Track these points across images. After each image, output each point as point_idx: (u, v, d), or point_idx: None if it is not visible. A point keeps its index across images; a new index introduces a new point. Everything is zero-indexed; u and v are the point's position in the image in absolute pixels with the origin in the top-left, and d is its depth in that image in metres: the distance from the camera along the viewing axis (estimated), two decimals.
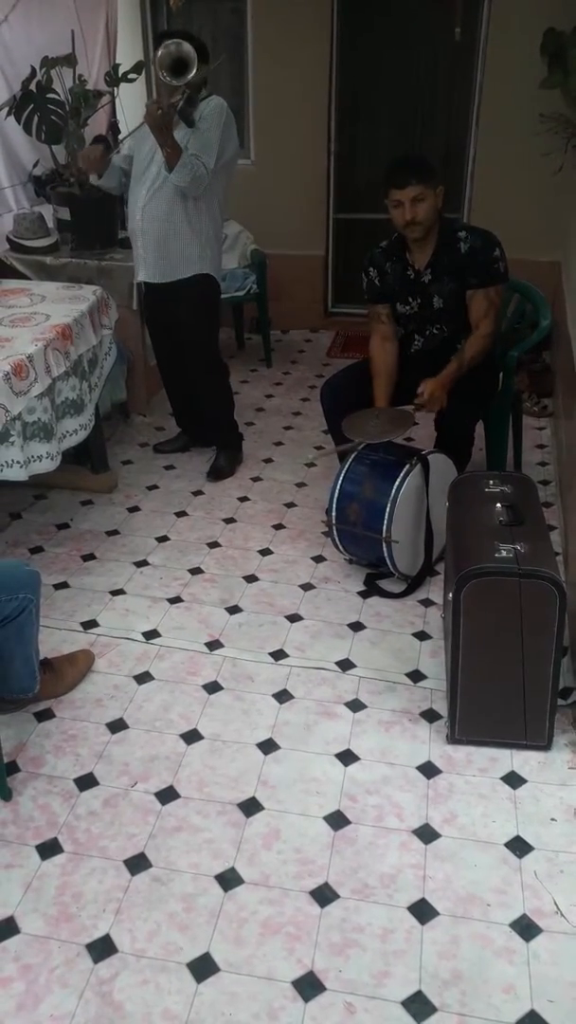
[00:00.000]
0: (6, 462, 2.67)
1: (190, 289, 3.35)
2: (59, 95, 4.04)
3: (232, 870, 1.90)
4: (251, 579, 2.97)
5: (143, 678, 2.49)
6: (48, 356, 2.83)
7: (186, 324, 3.44)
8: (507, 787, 2.11)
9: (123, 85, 4.31)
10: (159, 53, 2.91)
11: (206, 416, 3.71)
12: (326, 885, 1.86)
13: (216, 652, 2.60)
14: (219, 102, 3.19)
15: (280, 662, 2.57)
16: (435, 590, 2.89)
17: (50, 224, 4.17)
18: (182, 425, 3.92)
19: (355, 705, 2.39)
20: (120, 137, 3.37)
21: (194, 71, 2.90)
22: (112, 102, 4.59)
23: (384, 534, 2.74)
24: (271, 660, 2.57)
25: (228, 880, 1.87)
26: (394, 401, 3.05)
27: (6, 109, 3.93)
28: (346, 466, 2.89)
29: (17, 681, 2.18)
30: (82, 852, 1.94)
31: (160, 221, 3.24)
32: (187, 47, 2.88)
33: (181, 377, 3.67)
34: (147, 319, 3.70)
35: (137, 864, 1.91)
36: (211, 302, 3.47)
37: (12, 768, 2.15)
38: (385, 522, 2.73)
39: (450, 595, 2.18)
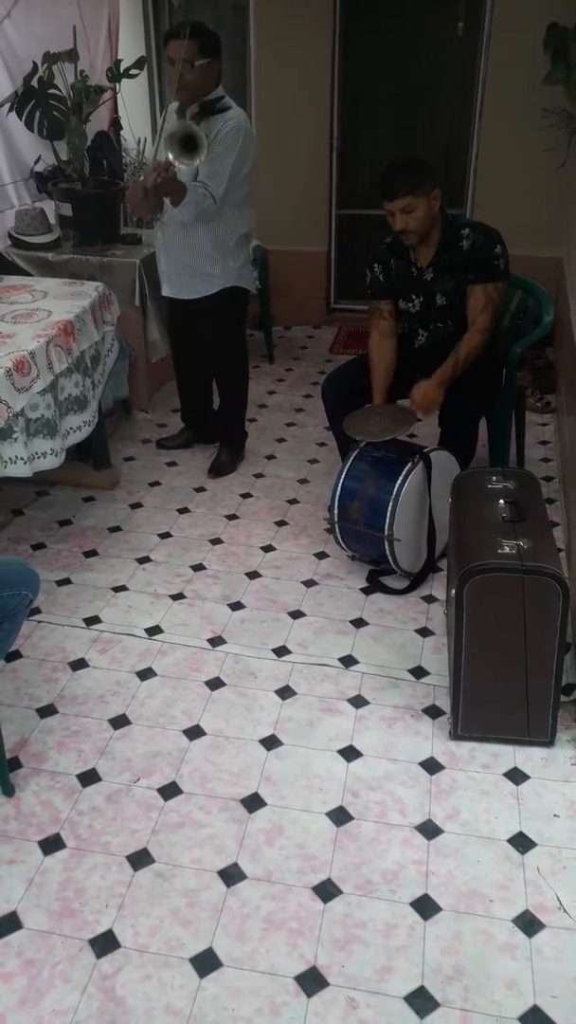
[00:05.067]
0: (10, 458, 2.67)
1: (216, 305, 3.35)
2: (61, 91, 4.03)
3: (235, 866, 1.90)
4: (253, 575, 2.97)
5: (145, 674, 2.49)
6: (50, 352, 2.83)
7: (215, 335, 3.45)
8: (510, 783, 2.11)
9: (125, 81, 4.30)
10: (170, 131, 2.88)
11: (220, 411, 3.71)
12: (329, 881, 1.86)
13: (218, 648, 2.61)
14: (237, 121, 3.07)
15: (283, 658, 2.56)
16: (438, 586, 2.88)
17: (52, 220, 4.16)
18: (187, 421, 3.92)
19: (358, 701, 2.39)
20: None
21: (205, 148, 2.85)
22: (114, 98, 4.58)
23: (386, 532, 2.74)
24: (273, 656, 2.57)
25: (231, 876, 1.87)
26: (394, 397, 3.05)
27: (8, 105, 3.93)
28: (348, 463, 2.89)
29: None
30: (84, 848, 1.94)
31: (180, 239, 3.24)
32: (191, 124, 2.85)
33: (199, 377, 3.68)
34: (170, 327, 3.71)
35: (140, 860, 1.91)
36: (238, 314, 3.47)
37: (15, 764, 2.16)
38: (387, 520, 2.73)
39: (453, 591, 2.18)
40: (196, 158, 2.88)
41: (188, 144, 2.87)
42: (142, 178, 3.01)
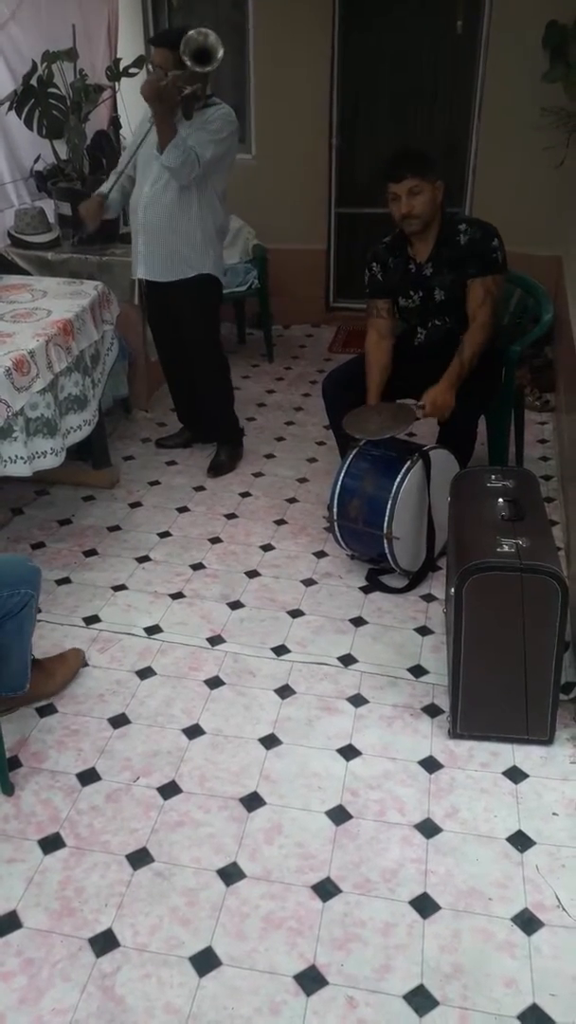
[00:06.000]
0: (10, 458, 2.67)
1: (192, 290, 3.36)
2: (60, 90, 4.03)
3: (234, 865, 1.90)
4: (252, 574, 2.97)
5: (145, 673, 2.49)
6: (50, 351, 2.83)
7: (188, 323, 3.45)
8: (509, 782, 2.11)
9: (124, 80, 4.30)
10: (187, 35, 2.91)
11: (207, 411, 3.71)
12: (328, 880, 1.86)
13: (218, 647, 2.61)
14: (229, 111, 3.21)
15: (282, 657, 2.57)
16: (437, 585, 2.89)
17: (51, 219, 4.17)
18: (184, 421, 3.92)
19: (357, 700, 2.39)
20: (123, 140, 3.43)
21: (216, 63, 2.92)
22: (113, 97, 4.58)
23: (385, 530, 2.74)
24: (273, 655, 2.57)
25: (230, 875, 1.88)
26: (393, 395, 3.05)
27: (7, 104, 3.92)
28: (347, 462, 2.89)
29: (10, 679, 2.18)
30: (84, 847, 1.94)
31: (161, 219, 3.25)
32: (214, 38, 2.90)
33: (184, 373, 3.67)
34: (149, 315, 3.71)
35: (139, 859, 1.91)
36: (213, 302, 3.48)
37: (14, 763, 2.16)
38: (386, 519, 2.73)
39: (452, 590, 2.18)
40: (205, 66, 2.92)
41: (202, 57, 2.92)
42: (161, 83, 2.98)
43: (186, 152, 3.06)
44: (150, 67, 3.15)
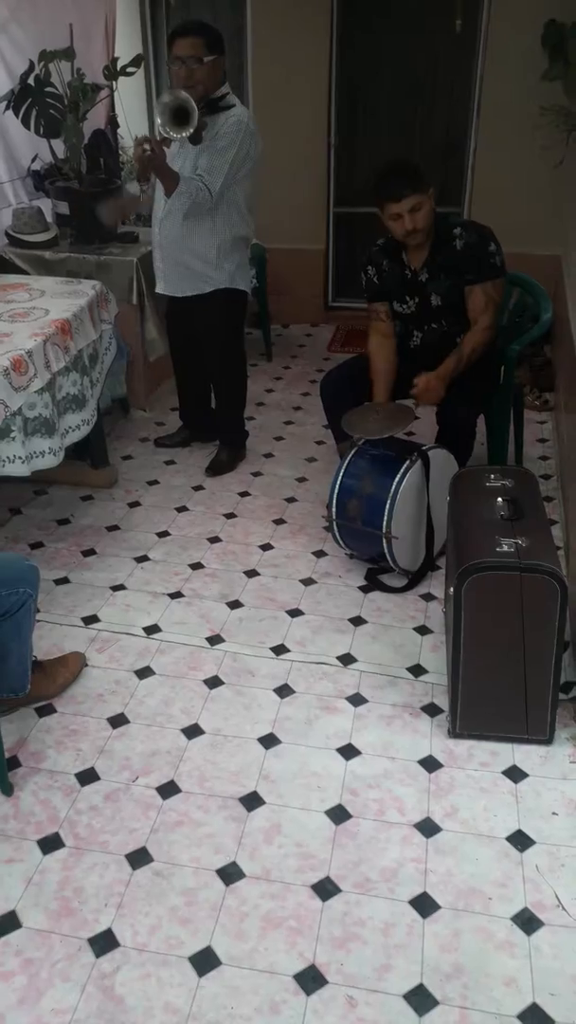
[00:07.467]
0: (7, 458, 2.67)
1: (211, 304, 3.35)
2: (57, 89, 4.02)
3: (233, 864, 1.90)
4: (252, 574, 2.97)
5: (144, 673, 2.49)
6: (47, 351, 2.83)
7: (207, 335, 3.45)
8: (508, 781, 2.11)
9: (122, 79, 4.30)
10: (158, 105, 2.90)
11: (218, 411, 3.71)
12: (327, 879, 1.86)
13: (217, 647, 2.60)
14: (239, 117, 3.09)
15: (281, 657, 2.56)
16: (436, 584, 2.88)
17: (49, 219, 4.16)
18: (186, 420, 3.92)
19: (356, 699, 2.39)
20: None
21: (195, 120, 2.87)
22: (111, 96, 4.57)
23: (384, 530, 2.74)
24: (272, 655, 2.57)
25: (229, 874, 1.87)
26: (394, 397, 3.04)
27: (5, 103, 3.92)
28: (346, 461, 2.89)
29: (10, 680, 2.17)
30: (83, 847, 1.94)
31: (176, 236, 3.24)
32: (184, 94, 2.86)
33: (196, 376, 3.68)
34: (168, 327, 3.70)
35: (138, 859, 1.91)
36: (233, 314, 3.46)
37: (13, 763, 2.16)
38: (385, 518, 2.73)
39: (451, 589, 2.18)
40: (186, 129, 2.89)
41: (179, 115, 2.89)
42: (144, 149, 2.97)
43: (194, 191, 3.03)
44: (177, 58, 3.04)
